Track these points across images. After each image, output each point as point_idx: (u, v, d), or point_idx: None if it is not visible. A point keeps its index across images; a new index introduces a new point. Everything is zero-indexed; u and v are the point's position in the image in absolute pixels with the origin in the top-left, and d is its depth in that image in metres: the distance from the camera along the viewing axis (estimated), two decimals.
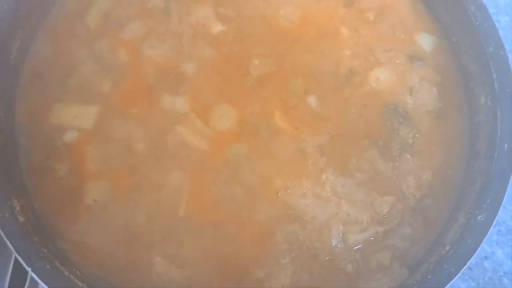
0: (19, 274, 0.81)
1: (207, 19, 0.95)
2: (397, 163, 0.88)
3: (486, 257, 1.09)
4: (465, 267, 0.74)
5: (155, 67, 0.92)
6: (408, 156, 0.89)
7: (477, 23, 0.88)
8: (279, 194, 0.85)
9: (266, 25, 0.96)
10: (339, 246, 0.83)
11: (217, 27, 0.95)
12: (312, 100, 0.91)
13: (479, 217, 0.77)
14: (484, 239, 0.75)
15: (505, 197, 0.77)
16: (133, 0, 0.96)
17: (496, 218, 0.76)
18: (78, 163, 0.83)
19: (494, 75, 0.85)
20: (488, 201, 0.77)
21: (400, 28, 0.99)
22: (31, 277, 0.71)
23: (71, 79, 0.89)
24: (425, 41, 0.98)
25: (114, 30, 0.94)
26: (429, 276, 0.76)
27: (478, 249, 0.74)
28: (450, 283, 0.72)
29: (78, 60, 0.90)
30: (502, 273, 1.08)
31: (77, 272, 0.77)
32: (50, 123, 0.86)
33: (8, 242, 0.70)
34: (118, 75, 0.90)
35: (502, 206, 1.12)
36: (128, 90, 0.90)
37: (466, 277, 1.07)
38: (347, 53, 0.95)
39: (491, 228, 0.75)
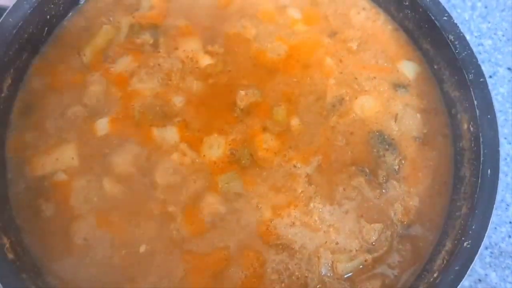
0: None
1: (195, 53, 0.98)
2: (384, 190, 0.89)
3: (479, 280, 1.09)
4: None
5: (144, 101, 0.93)
6: (395, 182, 0.90)
7: (457, 51, 0.91)
8: (268, 223, 0.85)
9: (253, 58, 0.98)
10: (329, 275, 0.83)
11: (205, 61, 0.97)
12: (298, 128, 0.93)
13: (465, 244, 0.77)
14: (471, 265, 0.75)
15: (489, 223, 0.77)
16: (124, 36, 0.98)
17: (481, 244, 0.76)
18: (63, 203, 0.84)
19: (475, 102, 0.87)
20: (473, 227, 0.78)
21: (383, 57, 1.01)
22: None
23: (58, 120, 0.90)
24: (408, 69, 1.00)
25: (105, 65, 0.96)
26: None
27: (465, 275, 0.74)
28: None
29: (68, 98, 0.92)
30: None
31: None
32: (35, 166, 0.87)
33: None
34: (107, 109, 0.92)
35: (494, 229, 1.13)
36: (117, 124, 0.91)
37: None
38: (332, 82, 0.97)
39: (477, 254, 0.75)
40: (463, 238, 0.78)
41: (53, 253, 0.81)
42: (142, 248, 0.82)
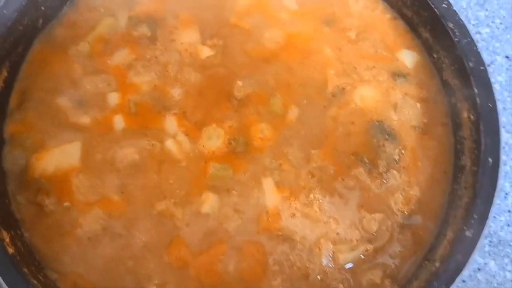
0: None
1: (193, 45, 0.97)
2: (384, 180, 0.89)
3: (479, 269, 1.09)
4: (455, 282, 0.74)
5: (142, 93, 0.92)
6: (395, 172, 0.89)
7: (456, 39, 0.90)
8: (268, 214, 0.85)
9: (251, 48, 0.97)
10: (330, 265, 0.83)
11: (205, 52, 0.96)
12: (296, 118, 0.92)
13: (467, 233, 0.77)
14: (472, 255, 0.75)
15: (491, 212, 0.77)
16: (121, 28, 0.97)
17: (483, 233, 0.76)
18: (66, 196, 0.83)
19: (476, 90, 0.86)
20: (475, 216, 0.78)
21: (382, 46, 1.01)
22: None
23: (55, 113, 0.89)
24: (407, 58, 1.00)
25: (102, 57, 0.94)
26: None
27: (467, 264, 0.74)
28: None
29: (64, 91, 0.91)
30: (495, 284, 1.08)
31: None
32: (35, 161, 0.86)
33: None
34: (105, 102, 0.91)
35: (492, 217, 1.13)
36: (114, 116, 0.91)
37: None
38: (332, 72, 0.97)
39: (479, 243, 0.75)
40: (464, 227, 0.78)
41: (54, 247, 0.80)
42: (141, 242, 0.81)
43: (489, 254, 1.10)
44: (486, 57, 1.28)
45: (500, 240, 1.11)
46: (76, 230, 0.81)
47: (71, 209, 0.83)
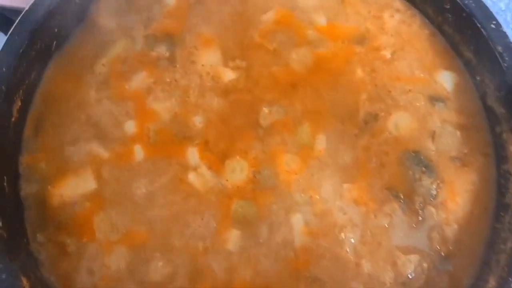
0: None
1: (214, 67, 0.90)
2: (420, 218, 0.83)
3: None
4: None
5: (162, 120, 0.87)
6: (432, 209, 0.84)
7: (505, 64, 0.82)
8: (296, 254, 0.80)
9: (277, 70, 0.91)
10: None
11: (227, 76, 0.90)
12: (325, 148, 0.86)
13: None
14: None
15: None
16: (138, 49, 0.91)
17: None
18: (87, 235, 0.80)
19: None
20: None
21: (419, 66, 0.93)
22: None
23: (71, 144, 0.85)
24: (446, 79, 0.92)
25: (119, 81, 0.89)
26: None
27: None
28: None
29: (80, 119, 0.86)
30: None
31: None
32: (53, 196, 0.82)
33: None
34: (123, 131, 0.86)
35: None
36: (134, 146, 0.86)
37: None
38: (364, 97, 0.90)
39: None
40: (510, 279, 0.72)
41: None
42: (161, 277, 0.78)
43: None
44: None
45: None
46: (100, 270, 0.78)
47: (94, 247, 0.79)
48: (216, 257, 0.81)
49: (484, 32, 0.84)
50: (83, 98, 0.88)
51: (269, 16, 0.96)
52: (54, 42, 0.89)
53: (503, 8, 1.24)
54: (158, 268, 0.80)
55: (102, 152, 0.85)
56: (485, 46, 0.85)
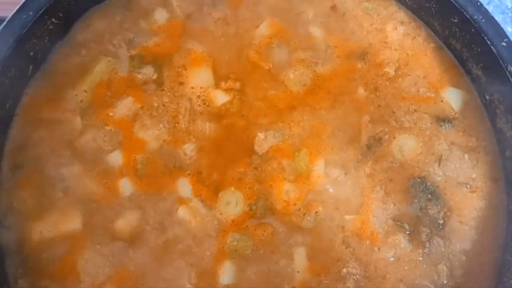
0: None
1: (205, 89, 0.84)
2: (426, 250, 0.78)
3: None
4: None
5: (149, 151, 0.81)
6: (439, 240, 0.79)
7: None
8: None
9: (273, 92, 0.85)
10: None
11: (220, 98, 0.83)
12: (324, 176, 0.81)
13: None
14: None
15: None
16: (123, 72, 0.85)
17: None
18: (72, 279, 0.74)
19: None
20: None
21: (425, 84, 0.87)
22: None
23: (52, 178, 0.79)
24: (454, 98, 0.86)
25: (102, 109, 0.82)
26: None
27: None
28: None
29: (61, 151, 0.80)
30: None
31: None
32: (32, 235, 0.76)
33: None
34: (108, 163, 0.80)
35: None
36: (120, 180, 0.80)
37: None
38: (367, 119, 0.84)
39: None
40: None
41: None
42: None
43: None
44: None
45: None
46: None
47: None
48: None
49: (494, 50, 0.77)
50: (64, 128, 0.81)
51: (263, 31, 0.89)
52: (30, 67, 0.82)
53: (510, 7, 1.17)
54: None
55: (87, 188, 0.79)
56: (495, 64, 0.78)
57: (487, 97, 0.84)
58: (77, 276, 0.75)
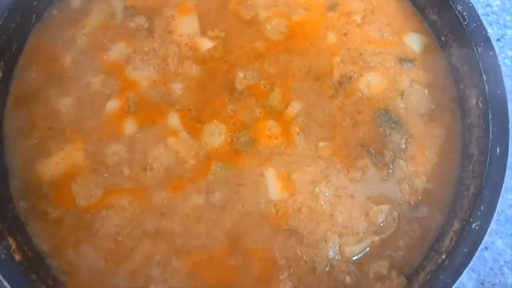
0: None
1: (192, 37, 0.94)
2: (390, 170, 0.88)
3: (486, 248, 1.09)
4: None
5: (141, 89, 0.90)
6: (401, 162, 0.88)
7: (465, 23, 0.86)
8: (276, 209, 0.85)
9: (254, 39, 0.94)
10: (337, 258, 0.83)
11: (204, 45, 0.93)
12: (300, 110, 0.90)
13: (473, 225, 0.76)
14: (479, 248, 0.75)
15: (498, 204, 0.76)
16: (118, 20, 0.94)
17: (490, 226, 0.75)
18: (68, 201, 0.83)
19: (484, 76, 0.84)
20: (482, 208, 0.77)
21: (388, 30, 0.97)
22: None
23: (54, 114, 0.88)
24: (414, 41, 0.96)
25: (97, 52, 0.92)
26: (426, 287, 0.76)
27: (473, 259, 0.74)
28: None
29: (64, 88, 0.89)
30: (502, 263, 1.08)
31: None
32: (36, 166, 0.85)
33: (6, 284, 0.70)
34: (104, 101, 0.89)
35: (500, 196, 1.12)
36: (116, 113, 0.89)
37: (467, 269, 1.08)
38: (338, 60, 0.94)
39: (486, 236, 0.75)
40: (471, 219, 0.77)
41: (63, 249, 0.81)
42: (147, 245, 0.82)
43: (496, 233, 1.09)
44: (496, 31, 1.25)
45: (507, 219, 1.11)
46: (86, 232, 0.82)
47: (76, 213, 0.83)
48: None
49: None
50: (65, 70, 0.91)
51: None
52: (34, 15, 0.92)
53: None
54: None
55: (86, 124, 0.88)
56: (447, 6, 0.89)
57: (442, 38, 0.94)
58: (72, 199, 0.84)
